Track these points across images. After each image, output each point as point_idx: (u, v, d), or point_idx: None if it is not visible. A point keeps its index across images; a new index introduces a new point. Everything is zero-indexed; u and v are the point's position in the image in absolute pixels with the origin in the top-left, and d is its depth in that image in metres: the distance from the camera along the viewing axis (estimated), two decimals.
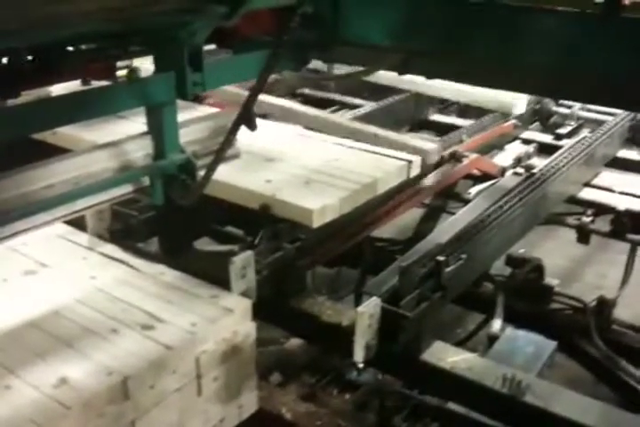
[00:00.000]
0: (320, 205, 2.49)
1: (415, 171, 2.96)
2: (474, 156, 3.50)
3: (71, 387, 1.74)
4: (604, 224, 3.51)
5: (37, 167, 1.88)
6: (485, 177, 3.57)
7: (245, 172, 2.67)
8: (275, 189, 2.59)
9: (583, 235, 3.49)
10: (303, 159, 2.90)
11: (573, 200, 3.67)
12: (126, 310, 2.07)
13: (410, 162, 2.90)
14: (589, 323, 2.93)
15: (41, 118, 1.81)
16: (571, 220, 3.56)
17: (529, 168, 3.47)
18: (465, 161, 3.42)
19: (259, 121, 2.06)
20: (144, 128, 2.17)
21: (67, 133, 2.86)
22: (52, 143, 2.92)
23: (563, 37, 2.21)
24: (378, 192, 2.77)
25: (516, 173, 3.49)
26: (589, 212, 3.53)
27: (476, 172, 3.58)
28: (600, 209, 3.56)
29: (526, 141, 4.33)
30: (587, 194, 3.71)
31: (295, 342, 3.61)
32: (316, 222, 2.48)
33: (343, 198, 2.58)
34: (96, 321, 2.01)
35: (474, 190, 3.47)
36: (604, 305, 2.98)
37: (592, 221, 3.47)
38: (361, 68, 2.87)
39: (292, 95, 4.95)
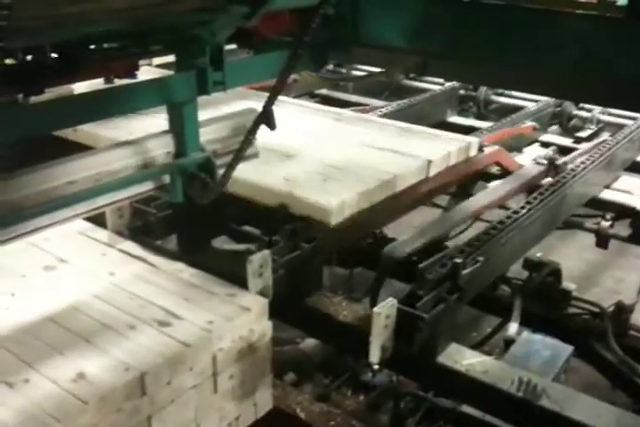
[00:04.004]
0: (338, 202, 2.50)
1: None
2: (496, 147, 3.49)
3: (89, 382, 1.76)
4: (623, 229, 3.49)
5: (60, 164, 1.90)
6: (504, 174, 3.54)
7: (263, 168, 2.70)
8: (293, 186, 2.60)
9: (602, 239, 3.47)
10: (322, 155, 2.94)
11: (592, 202, 3.65)
12: (144, 307, 2.08)
13: (430, 161, 2.93)
14: (606, 328, 2.91)
15: (64, 116, 1.84)
16: (589, 224, 3.54)
17: (552, 160, 3.47)
18: (487, 151, 3.40)
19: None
20: (164, 125, 2.18)
21: (87, 131, 2.90)
22: (73, 140, 2.95)
23: (584, 40, 2.20)
24: (397, 189, 2.80)
25: (538, 163, 3.48)
26: (608, 216, 3.51)
27: (495, 171, 3.55)
28: (619, 212, 3.54)
29: (545, 144, 4.32)
30: (605, 196, 3.70)
31: (310, 342, 3.61)
32: (335, 219, 2.50)
33: (361, 194, 2.61)
34: (114, 317, 2.03)
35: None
36: (622, 310, 2.95)
37: (611, 226, 3.45)
38: (380, 70, 2.89)
39: (311, 96, 4.97)
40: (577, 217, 3.60)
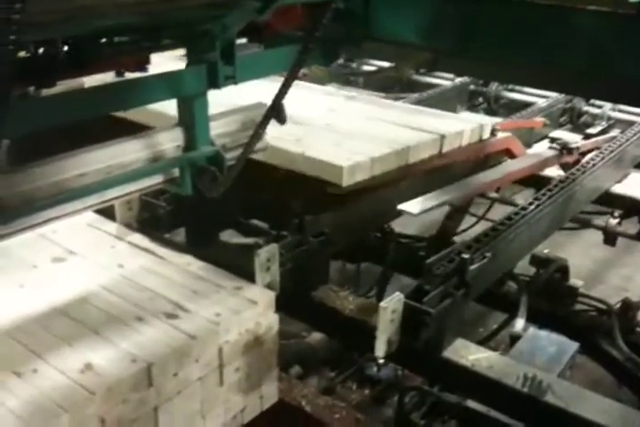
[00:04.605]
0: (351, 163, 2.49)
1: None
2: (508, 133, 3.50)
3: (96, 373, 1.78)
4: (631, 226, 3.47)
5: (70, 156, 1.91)
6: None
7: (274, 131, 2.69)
8: (304, 146, 2.61)
9: (610, 237, 3.46)
10: (333, 125, 2.97)
11: (601, 198, 3.63)
12: (152, 299, 2.10)
13: (443, 136, 2.95)
14: (613, 325, 2.91)
15: (75, 109, 1.84)
16: (598, 221, 3.53)
17: (564, 146, 3.49)
18: (500, 136, 3.41)
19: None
20: None
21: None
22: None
23: (595, 37, 2.20)
24: (410, 160, 2.81)
25: (552, 148, 3.52)
26: (616, 213, 3.50)
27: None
28: (628, 208, 3.52)
29: (555, 140, 4.30)
30: (614, 190, 3.67)
31: (316, 335, 3.62)
32: (346, 181, 2.48)
33: (374, 159, 2.61)
34: (122, 309, 2.05)
35: None
36: (629, 307, 2.95)
37: (619, 223, 3.44)
38: (390, 65, 2.88)
39: None
40: (584, 214, 3.59)
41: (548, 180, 3.31)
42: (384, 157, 2.70)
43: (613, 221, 3.44)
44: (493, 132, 3.36)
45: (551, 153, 3.49)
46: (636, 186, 3.71)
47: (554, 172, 3.57)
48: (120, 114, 2.69)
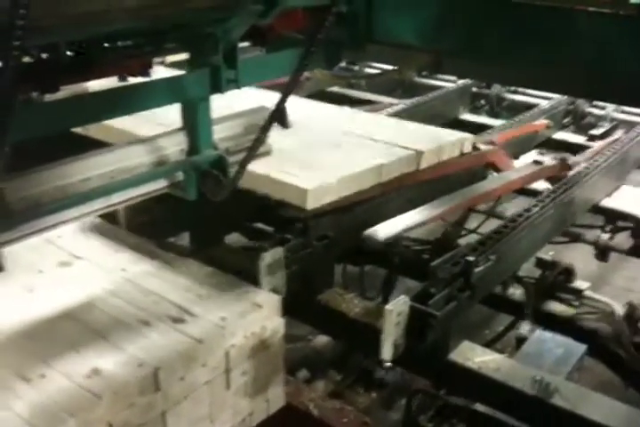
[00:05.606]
0: (316, 185, 2.38)
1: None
2: (494, 147, 3.40)
3: (103, 377, 1.78)
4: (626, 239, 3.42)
5: (75, 161, 1.92)
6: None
7: None
8: (270, 167, 2.49)
9: (601, 252, 3.38)
10: (309, 140, 2.83)
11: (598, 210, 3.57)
12: (157, 303, 2.10)
13: (420, 152, 2.84)
14: (619, 327, 2.89)
15: (78, 114, 1.85)
16: (589, 235, 3.42)
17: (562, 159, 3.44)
18: (484, 149, 3.31)
19: None
20: None
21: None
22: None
23: (598, 38, 2.20)
24: (383, 179, 2.68)
25: (536, 162, 3.43)
26: (608, 228, 3.41)
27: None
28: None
29: (558, 142, 4.30)
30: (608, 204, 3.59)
31: (322, 339, 3.62)
32: (311, 204, 2.38)
33: (344, 179, 2.48)
34: (128, 313, 2.05)
35: None
36: (635, 309, 2.94)
37: (611, 238, 3.37)
38: (393, 68, 2.88)
39: (323, 93, 4.97)
40: (577, 227, 3.51)
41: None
42: (355, 177, 2.55)
43: (605, 236, 3.36)
44: (475, 147, 3.25)
45: (538, 167, 3.39)
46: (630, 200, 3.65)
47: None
48: (80, 131, 2.68)
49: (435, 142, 2.98)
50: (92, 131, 2.85)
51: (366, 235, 2.55)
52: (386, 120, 3.46)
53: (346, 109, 3.63)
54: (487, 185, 3.21)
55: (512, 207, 3.43)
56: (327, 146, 2.83)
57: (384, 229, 2.58)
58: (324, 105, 3.58)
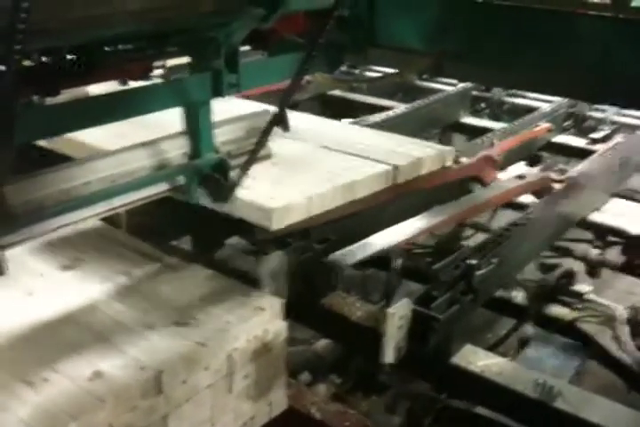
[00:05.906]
0: (280, 205, 2.22)
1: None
2: (477, 160, 3.28)
3: (105, 380, 1.77)
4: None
5: (76, 165, 1.93)
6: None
7: None
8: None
9: (592, 268, 3.32)
10: (281, 155, 2.63)
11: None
12: (160, 307, 2.10)
13: (396, 167, 2.67)
14: (622, 330, 2.89)
15: (79, 117, 1.85)
16: (579, 250, 3.34)
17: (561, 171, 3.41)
18: (466, 162, 3.21)
19: None
20: None
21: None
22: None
23: (599, 41, 2.20)
24: (357, 196, 2.52)
25: (519, 177, 3.30)
26: (598, 243, 3.34)
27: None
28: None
29: (559, 145, 4.30)
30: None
31: (324, 342, 3.61)
32: (277, 224, 2.22)
33: (314, 197, 2.33)
34: (130, 316, 2.04)
35: None
36: (637, 312, 2.94)
37: (601, 254, 3.31)
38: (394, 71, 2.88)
39: (324, 97, 4.97)
40: (567, 241, 3.46)
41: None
42: (325, 194, 2.38)
43: (595, 252, 3.30)
44: (457, 160, 3.12)
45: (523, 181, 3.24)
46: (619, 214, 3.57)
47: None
48: (46, 144, 2.63)
49: (413, 156, 2.80)
50: (57, 144, 2.71)
51: (332, 259, 2.44)
52: (363, 132, 3.25)
53: (320, 120, 3.40)
54: (476, 198, 3.10)
55: (495, 222, 3.40)
56: (298, 161, 2.65)
57: (352, 254, 2.47)
58: (298, 115, 3.27)
